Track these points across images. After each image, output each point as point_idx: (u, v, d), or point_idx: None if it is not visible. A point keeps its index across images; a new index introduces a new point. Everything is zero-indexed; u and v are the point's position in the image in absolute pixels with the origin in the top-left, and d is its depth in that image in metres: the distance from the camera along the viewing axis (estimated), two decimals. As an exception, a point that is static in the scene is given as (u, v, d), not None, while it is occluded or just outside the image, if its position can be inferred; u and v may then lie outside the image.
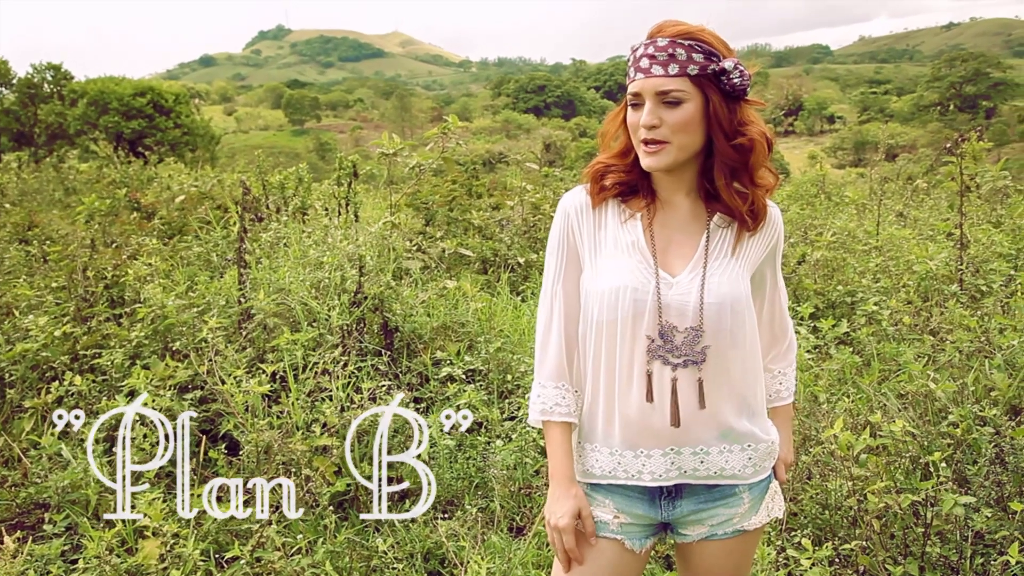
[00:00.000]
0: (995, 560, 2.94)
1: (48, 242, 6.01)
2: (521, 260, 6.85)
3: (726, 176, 1.84)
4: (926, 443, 3.44)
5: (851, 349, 4.83)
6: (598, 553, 1.90)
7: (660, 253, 1.85)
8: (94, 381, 4.05)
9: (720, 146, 1.81)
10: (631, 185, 1.91)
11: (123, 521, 3.20)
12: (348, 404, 3.86)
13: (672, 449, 1.82)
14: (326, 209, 6.47)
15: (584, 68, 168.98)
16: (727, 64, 1.74)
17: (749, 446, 1.86)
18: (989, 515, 2.95)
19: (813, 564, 2.70)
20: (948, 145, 5.84)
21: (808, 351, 4.49)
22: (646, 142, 1.79)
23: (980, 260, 5.80)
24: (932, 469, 3.09)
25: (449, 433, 3.84)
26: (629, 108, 1.83)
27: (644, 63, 1.77)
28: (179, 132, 34.85)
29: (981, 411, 3.47)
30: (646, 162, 1.81)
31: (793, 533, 3.23)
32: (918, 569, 2.91)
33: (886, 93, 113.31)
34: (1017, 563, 2.76)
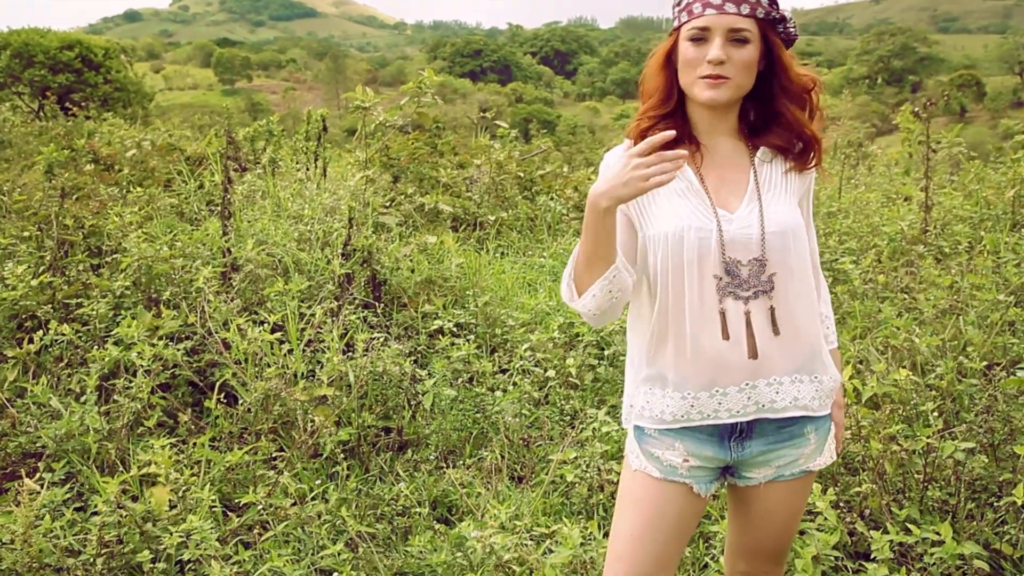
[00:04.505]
0: (991, 503, 3.07)
1: (7, 193, 5.79)
2: (492, 218, 6.83)
3: (797, 110, 1.90)
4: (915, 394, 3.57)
5: (825, 307, 4.95)
6: (666, 498, 1.91)
7: (714, 193, 1.89)
8: (77, 331, 3.94)
9: (787, 85, 1.89)
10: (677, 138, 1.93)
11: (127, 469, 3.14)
12: (345, 356, 3.83)
13: (748, 384, 1.84)
14: (296, 164, 6.36)
15: (520, 33, 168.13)
16: (786, 13, 1.84)
17: (816, 377, 1.90)
18: (986, 460, 3.07)
19: (828, 506, 2.78)
20: (916, 110, 5.99)
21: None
22: (710, 76, 1.81)
23: (943, 223, 5.98)
24: (923, 419, 3.21)
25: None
26: (687, 43, 1.83)
27: (716, 0, 1.78)
28: (110, 88, 33.60)
29: (968, 363, 3.61)
30: (707, 95, 1.83)
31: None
32: (918, 512, 3.03)
33: (818, 65, 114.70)
34: (1012, 505, 2.89)
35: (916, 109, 5.88)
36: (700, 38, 1.82)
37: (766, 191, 1.90)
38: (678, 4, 1.88)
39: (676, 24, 1.88)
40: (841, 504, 3.15)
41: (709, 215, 1.85)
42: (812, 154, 1.93)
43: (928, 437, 3.01)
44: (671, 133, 1.71)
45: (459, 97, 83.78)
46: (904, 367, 3.93)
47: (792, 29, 1.87)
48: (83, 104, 23.35)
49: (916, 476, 3.13)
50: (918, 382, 3.40)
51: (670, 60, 1.91)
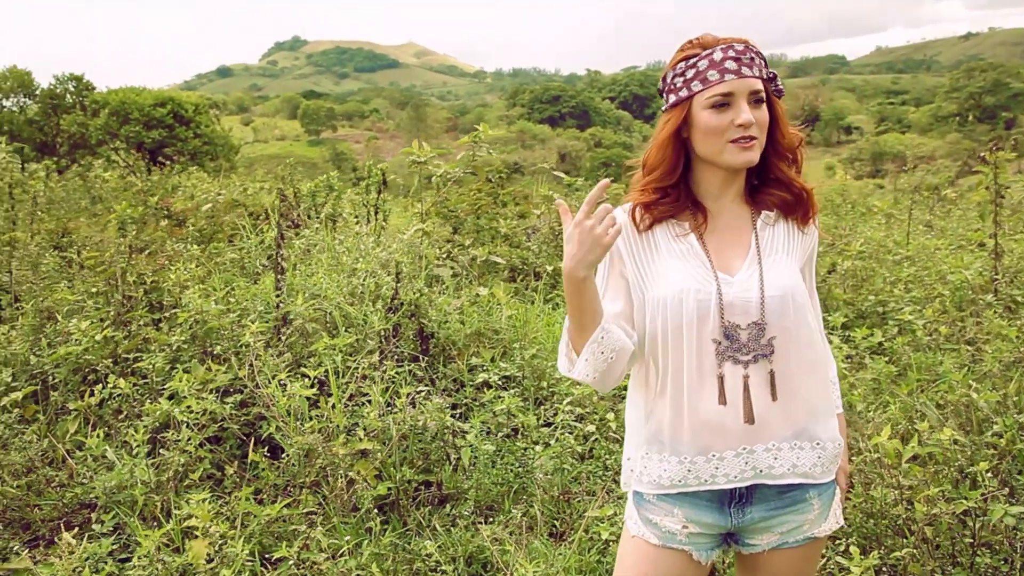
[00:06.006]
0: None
1: (83, 248, 6.07)
2: (549, 268, 6.85)
3: (787, 167, 1.93)
4: (970, 453, 3.43)
5: (885, 359, 4.81)
6: (664, 565, 1.89)
7: (715, 256, 1.89)
8: (135, 384, 4.09)
9: (779, 140, 1.91)
10: (679, 207, 1.93)
11: (169, 522, 3.23)
12: (388, 409, 3.88)
13: (745, 448, 1.82)
14: (356, 217, 6.50)
15: (599, 79, 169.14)
16: (775, 72, 1.89)
17: (818, 444, 1.87)
18: (1040, 525, 2.93)
19: (863, 572, 2.68)
20: (982, 155, 5.82)
21: (841, 361, 4.48)
22: (742, 139, 1.81)
23: (1015, 271, 5.77)
24: (978, 479, 3.08)
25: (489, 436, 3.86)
26: (708, 111, 1.83)
27: (731, 65, 1.81)
28: (199, 142, 35.11)
29: (1026, 420, 3.46)
30: (742, 158, 1.83)
31: (838, 541, 3.22)
32: (967, 578, 2.90)
33: (904, 104, 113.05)
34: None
35: (982, 154, 5.70)
36: (723, 104, 1.82)
37: (767, 255, 1.89)
38: (682, 75, 1.86)
39: (685, 94, 1.86)
40: (884, 569, 3.04)
41: (709, 278, 1.85)
42: (807, 207, 1.94)
43: (975, 500, 2.89)
44: (606, 181, 1.77)
45: (538, 143, 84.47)
46: (960, 424, 3.79)
47: (781, 86, 1.90)
48: (174, 158, 24.40)
49: (967, 540, 3.01)
50: (965, 441, 3.26)
51: (679, 133, 1.89)
